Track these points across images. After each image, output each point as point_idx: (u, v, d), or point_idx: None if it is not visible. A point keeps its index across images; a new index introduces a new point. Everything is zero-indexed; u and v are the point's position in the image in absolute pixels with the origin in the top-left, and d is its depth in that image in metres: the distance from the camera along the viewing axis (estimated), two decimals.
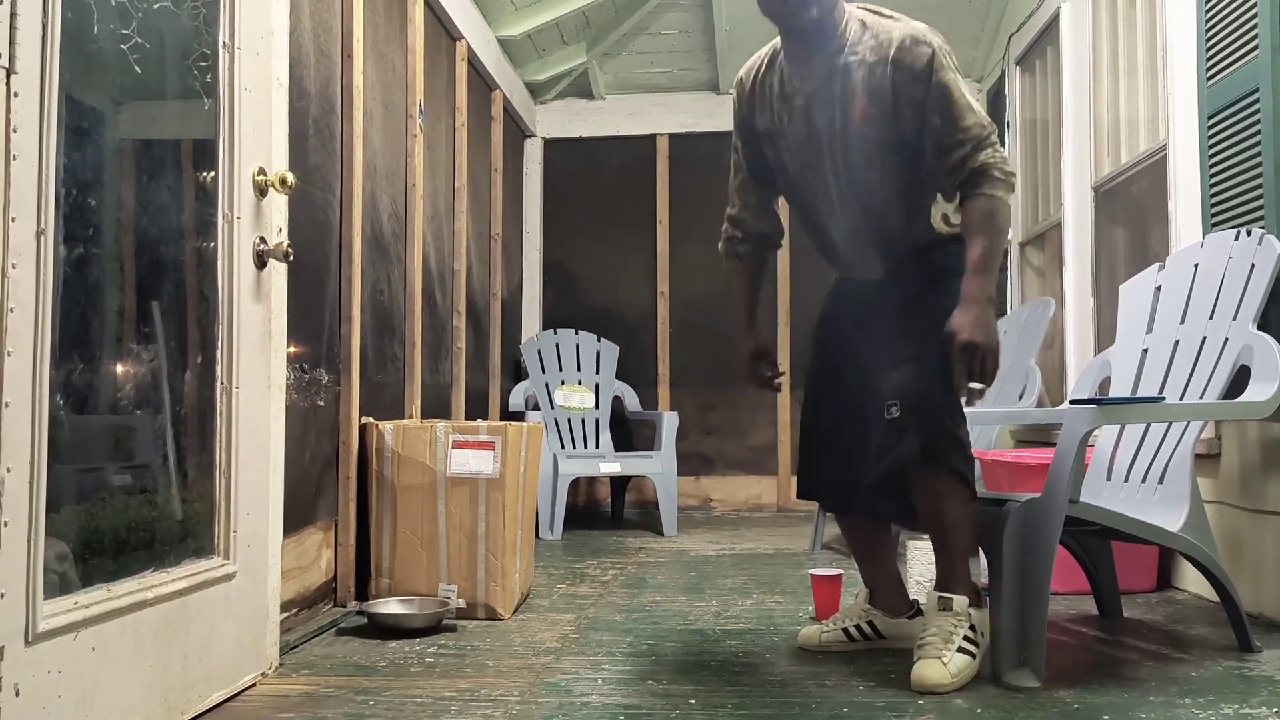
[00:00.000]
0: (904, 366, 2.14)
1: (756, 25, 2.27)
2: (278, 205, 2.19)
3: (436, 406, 3.98)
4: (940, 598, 2.14)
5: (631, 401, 5.38)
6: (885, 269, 2.30)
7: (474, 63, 4.51)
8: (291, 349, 2.50)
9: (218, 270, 2.00)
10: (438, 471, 2.85)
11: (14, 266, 1.40)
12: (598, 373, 5.36)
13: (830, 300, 2.49)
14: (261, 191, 2.10)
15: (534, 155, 5.83)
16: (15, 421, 1.41)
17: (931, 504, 2.15)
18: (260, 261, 2.10)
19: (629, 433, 5.54)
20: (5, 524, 1.38)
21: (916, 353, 2.14)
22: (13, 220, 1.40)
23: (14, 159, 1.40)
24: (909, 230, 2.24)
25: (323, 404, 2.84)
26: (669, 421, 4.90)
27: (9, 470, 1.39)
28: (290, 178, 2.11)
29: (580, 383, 5.31)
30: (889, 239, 2.25)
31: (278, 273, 2.21)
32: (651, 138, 5.80)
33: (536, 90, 5.68)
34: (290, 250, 2.15)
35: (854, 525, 2.47)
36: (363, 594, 2.94)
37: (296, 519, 2.58)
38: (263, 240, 2.11)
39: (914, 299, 2.21)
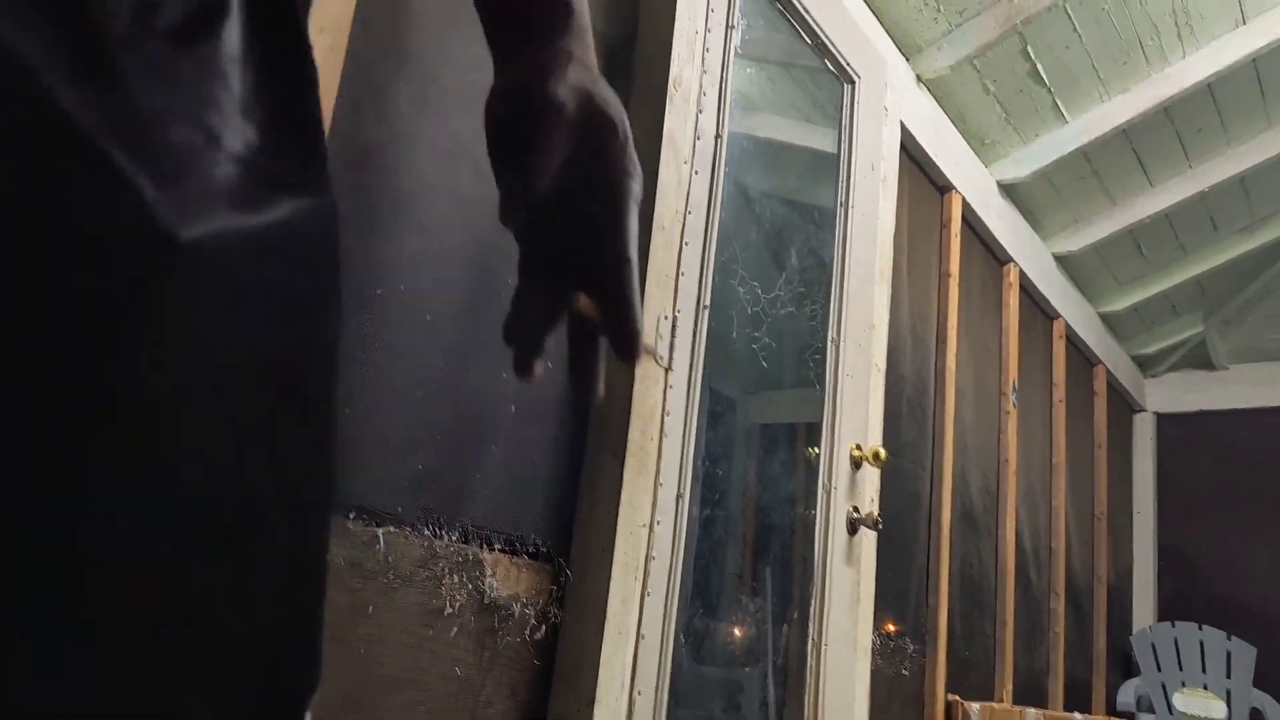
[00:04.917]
0: None
1: None
2: (870, 477, 2.38)
3: (1029, 692, 3.74)
4: None
5: (1275, 716, 4.50)
6: None
7: (1072, 339, 4.49)
8: (878, 615, 2.60)
9: (814, 535, 2.22)
10: None
11: (658, 523, 1.73)
12: (1228, 677, 4.61)
13: None
14: (856, 465, 2.32)
15: (1145, 431, 5.47)
16: (648, 653, 1.69)
17: None
18: (852, 528, 2.29)
19: None
20: None
21: None
22: (660, 485, 1.75)
23: (665, 437, 1.77)
24: None
25: (907, 674, 2.86)
26: None
27: (639, 693, 1.66)
28: (883, 452, 2.31)
29: (1206, 687, 4.60)
30: None
31: (868, 539, 2.37)
32: None
33: (1145, 363, 5.41)
34: (880, 519, 2.31)
35: None
36: None
37: None
38: (855, 509, 2.30)
39: None
